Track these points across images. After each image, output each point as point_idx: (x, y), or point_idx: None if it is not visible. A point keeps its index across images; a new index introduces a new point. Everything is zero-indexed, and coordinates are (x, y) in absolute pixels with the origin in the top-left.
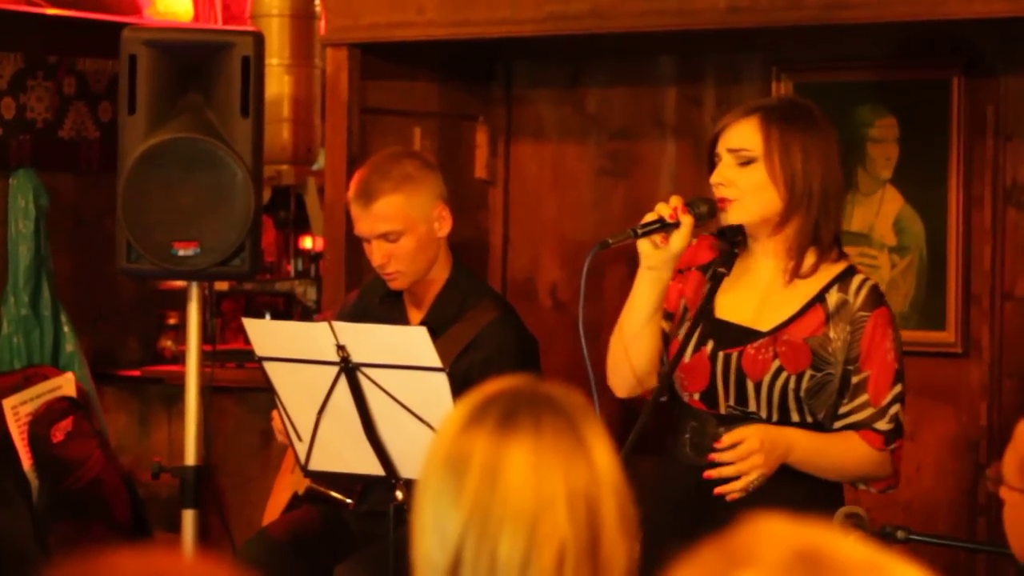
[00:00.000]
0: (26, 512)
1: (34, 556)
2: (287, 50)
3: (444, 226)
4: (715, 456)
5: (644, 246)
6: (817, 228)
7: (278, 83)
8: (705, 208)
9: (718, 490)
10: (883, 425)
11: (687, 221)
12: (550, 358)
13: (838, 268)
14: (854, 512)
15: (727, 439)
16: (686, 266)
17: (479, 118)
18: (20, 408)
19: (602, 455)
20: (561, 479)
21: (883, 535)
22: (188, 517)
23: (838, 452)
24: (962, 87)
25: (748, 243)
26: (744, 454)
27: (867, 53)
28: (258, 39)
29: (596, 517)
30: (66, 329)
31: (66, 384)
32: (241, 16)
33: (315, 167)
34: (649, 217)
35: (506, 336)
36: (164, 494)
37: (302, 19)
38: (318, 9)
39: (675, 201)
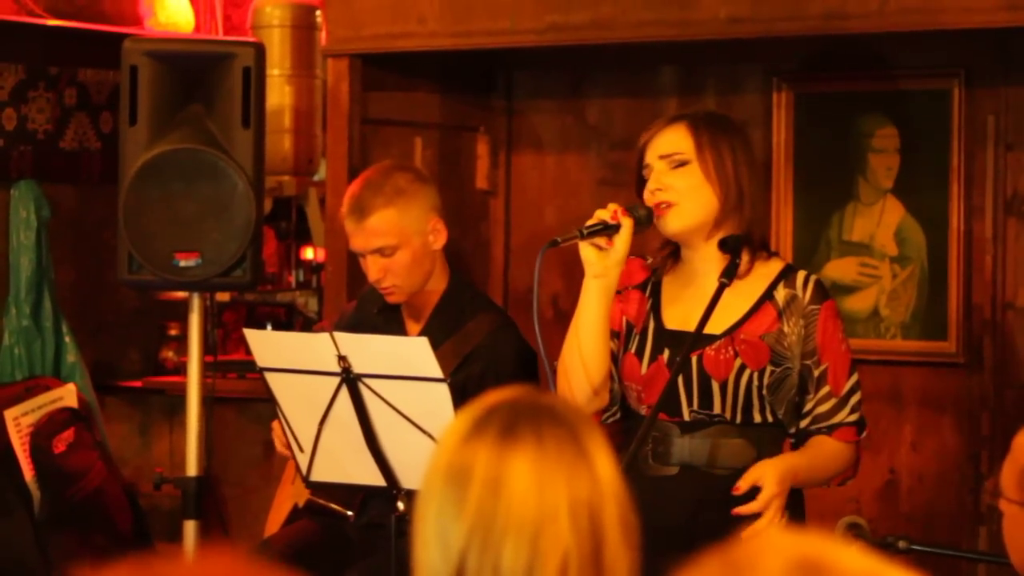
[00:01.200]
0: (28, 523)
1: (36, 567)
2: (288, 61)
3: (439, 238)
4: (740, 510)
5: (588, 253)
6: (750, 228)
7: (279, 94)
8: (643, 212)
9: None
10: (851, 417)
11: (627, 223)
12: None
13: (776, 266)
14: (855, 522)
15: (744, 484)
16: (623, 287)
17: (480, 128)
18: (22, 419)
19: (604, 465)
20: (564, 490)
21: (884, 545)
22: (189, 528)
23: (825, 462)
24: (963, 97)
25: (682, 252)
26: (767, 502)
27: (868, 63)
28: (259, 50)
29: (599, 527)
30: (67, 340)
31: (67, 395)
32: (242, 27)
33: (316, 178)
34: (591, 221)
35: (504, 347)
36: (165, 505)
37: (303, 30)
38: (319, 20)
39: (612, 206)
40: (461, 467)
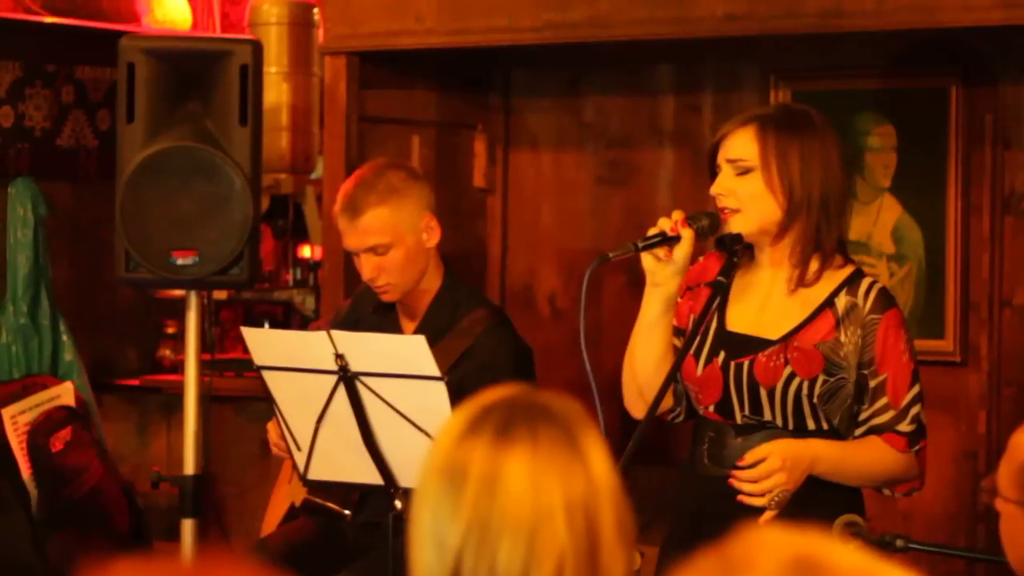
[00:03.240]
0: (25, 521)
1: (33, 565)
2: (285, 58)
3: (433, 236)
4: (736, 474)
5: (648, 262)
6: (819, 235)
7: (276, 91)
8: (706, 221)
9: (745, 499)
10: (905, 427)
11: (687, 235)
12: (549, 366)
13: (845, 272)
14: (853, 521)
15: (749, 457)
16: (695, 283)
17: (477, 126)
18: (19, 417)
19: (599, 464)
20: (559, 489)
21: (882, 544)
22: (187, 526)
23: (863, 459)
24: (960, 95)
25: (753, 253)
26: (766, 473)
27: (865, 61)
28: (256, 47)
29: (594, 526)
30: (65, 338)
31: (65, 393)
32: (239, 24)
33: (313, 176)
34: (651, 231)
35: (500, 345)
36: (163, 503)
37: (300, 27)
38: (316, 17)
39: (676, 215)
40: (456, 466)
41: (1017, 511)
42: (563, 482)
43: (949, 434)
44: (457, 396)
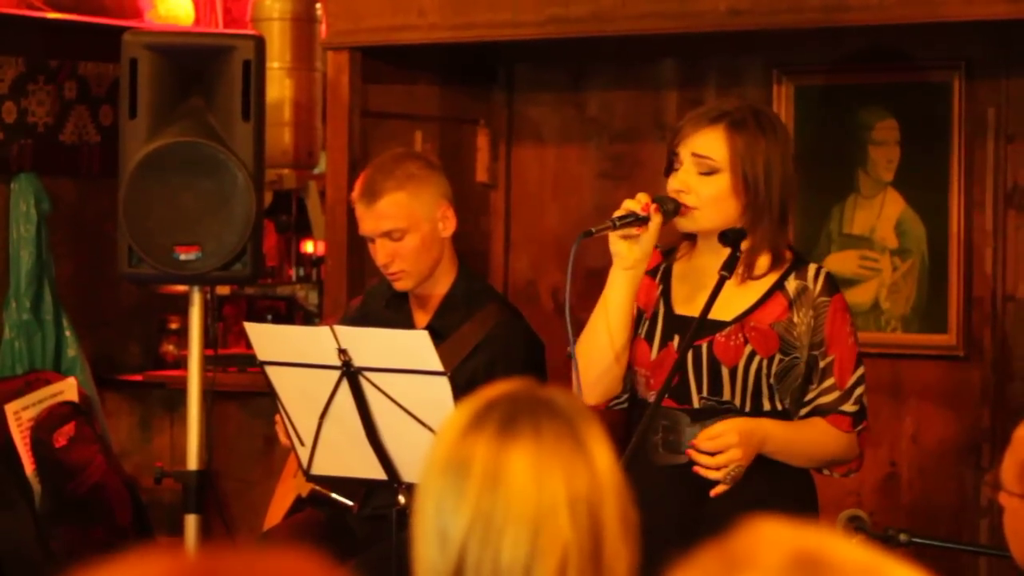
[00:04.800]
0: (29, 517)
1: (37, 561)
2: (288, 53)
3: (448, 226)
4: (692, 452)
5: (619, 245)
6: (773, 237)
7: (279, 87)
8: (672, 206)
9: (701, 471)
10: (849, 407)
11: (656, 219)
12: (552, 360)
13: (788, 259)
14: (856, 515)
15: (703, 437)
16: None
17: (480, 121)
18: (22, 413)
19: (602, 459)
20: (562, 484)
21: (885, 538)
22: (190, 522)
23: (809, 438)
24: (963, 89)
25: (695, 239)
26: (722, 447)
27: (868, 56)
28: (259, 43)
29: (598, 521)
30: (68, 334)
31: (68, 389)
32: (242, 20)
33: (316, 171)
34: (620, 212)
35: (513, 338)
36: (166, 499)
37: (303, 22)
38: (319, 13)
39: (643, 197)
40: (460, 460)
41: (1021, 505)
42: (567, 477)
43: (952, 428)
44: (469, 389)
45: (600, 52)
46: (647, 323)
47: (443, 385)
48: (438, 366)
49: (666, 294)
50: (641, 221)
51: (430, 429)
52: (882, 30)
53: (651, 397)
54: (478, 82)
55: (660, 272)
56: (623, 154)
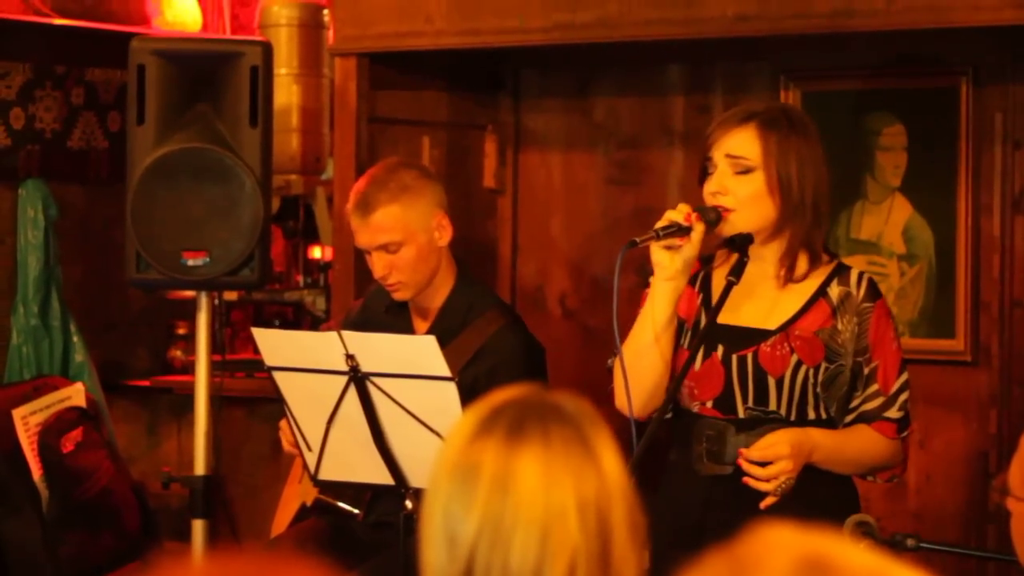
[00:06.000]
0: (36, 522)
1: (44, 566)
2: (296, 60)
3: (444, 235)
4: (744, 464)
5: (661, 256)
6: (810, 236)
7: (287, 93)
8: (713, 216)
9: (752, 482)
10: (894, 413)
11: (699, 228)
12: (559, 366)
13: (830, 265)
14: (864, 520)
15: (756, 448)
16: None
17: (488, 127)
18: (30, 418)
19: (611, 464)
20: (571, 488)
21: (893, 543)
22: (198, 527)
23: (856, 446)
24: (970, 95)
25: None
26: (773, 457)
27: (875, 61)
28: (267, 49)
29: (607, 526)
30: (75, 339)
31: (75, 394)
32: (250, 26)
33: (324, 177)
34: (661, 223)
35: (513, 344)
36: (174, 504)
37: (311, 29)
38: (327, 19)
39: (685, 208)
40: (469, 465)
41: None
42: (575, 481)
43: (960, 434)
44: (470, 396)
45: (607, 58)
46: (688, 333)
47: (451, 390)
48: (446, 371)
49: (707, 303)
50: (684, 231)
51: (437, 434)
52: (889, 36)
53: (696, 408)
54: (485, 88)
55: (699, 280)
56: (630, 160)
